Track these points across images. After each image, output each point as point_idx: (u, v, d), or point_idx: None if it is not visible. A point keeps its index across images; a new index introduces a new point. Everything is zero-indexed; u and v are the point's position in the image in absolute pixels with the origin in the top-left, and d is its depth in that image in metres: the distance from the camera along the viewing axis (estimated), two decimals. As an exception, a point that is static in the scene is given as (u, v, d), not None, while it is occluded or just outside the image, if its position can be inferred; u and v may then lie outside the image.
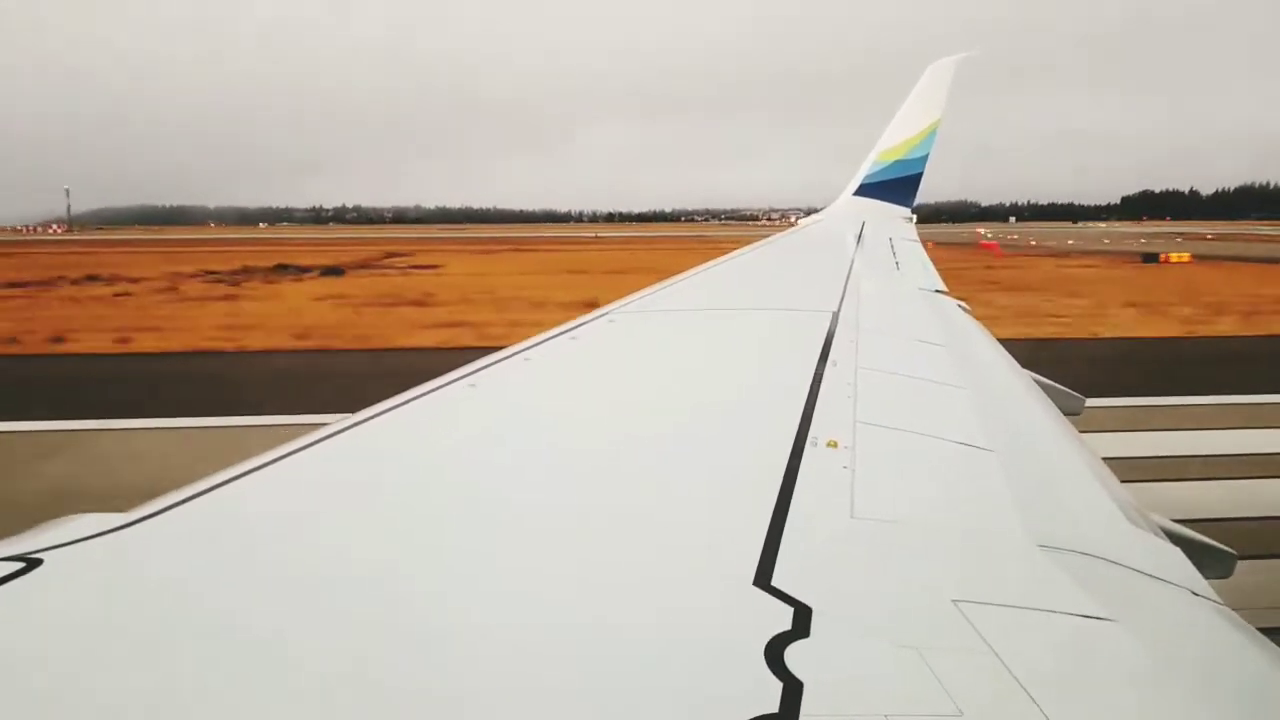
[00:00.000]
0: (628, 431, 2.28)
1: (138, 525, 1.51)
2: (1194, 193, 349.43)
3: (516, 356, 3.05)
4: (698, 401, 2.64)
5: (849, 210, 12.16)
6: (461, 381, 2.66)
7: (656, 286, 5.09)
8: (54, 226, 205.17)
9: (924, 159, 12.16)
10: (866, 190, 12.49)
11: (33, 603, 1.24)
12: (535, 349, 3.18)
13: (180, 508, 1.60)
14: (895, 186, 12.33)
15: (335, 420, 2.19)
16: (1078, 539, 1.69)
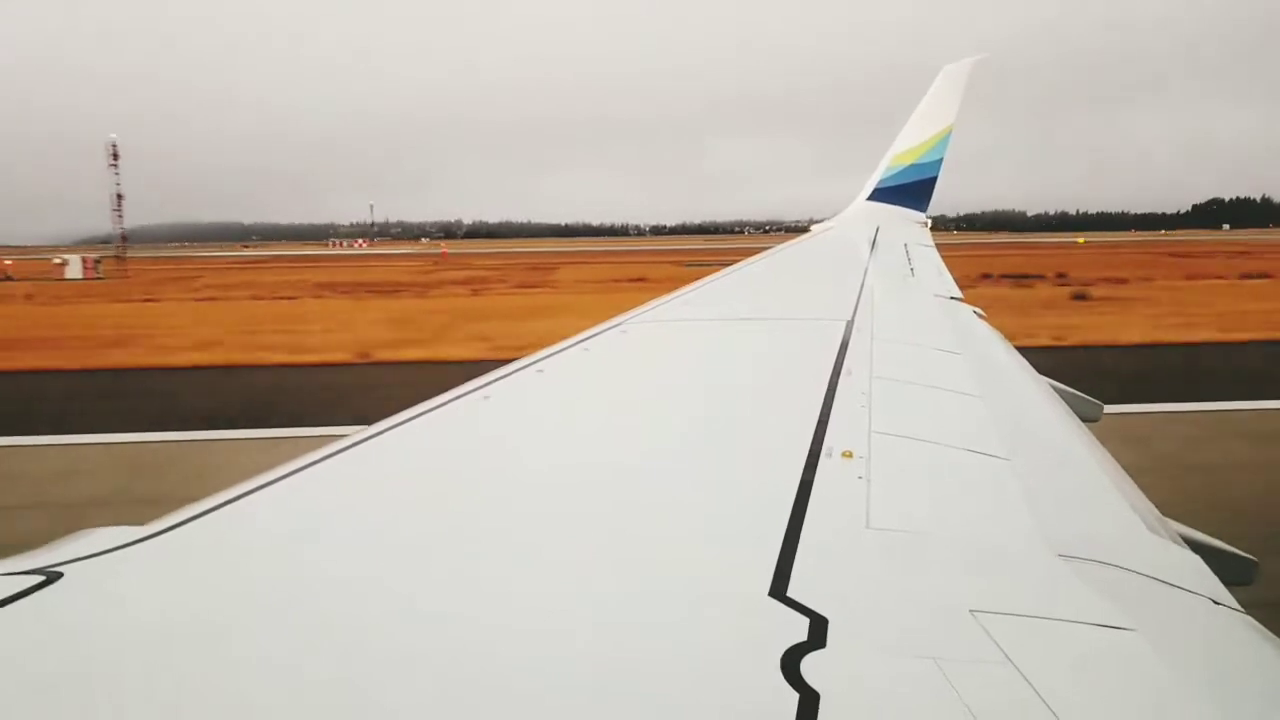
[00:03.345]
0: (640, 442, 2.29)
1: (158, 538, 1.52)
2: (1266, 200, 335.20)
3: (529, 368, 3.07)
4: (711, 411, 2.64)
5: (863, 215, 12.01)
6: (476, 393, 2.68)
7: (669, 296, 5.10)
8: (359, 241, 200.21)
9: (938, 163, 12.00)
10: (880, 195, 12.36)
11: (53, 616, 1.25)
12: (548, 360, 3.20)
13: (199, 520, 1.61)
14: (909, 191, 12.18)
15: (352, 432, 2.21)
16: (1096, 548, 1.67)
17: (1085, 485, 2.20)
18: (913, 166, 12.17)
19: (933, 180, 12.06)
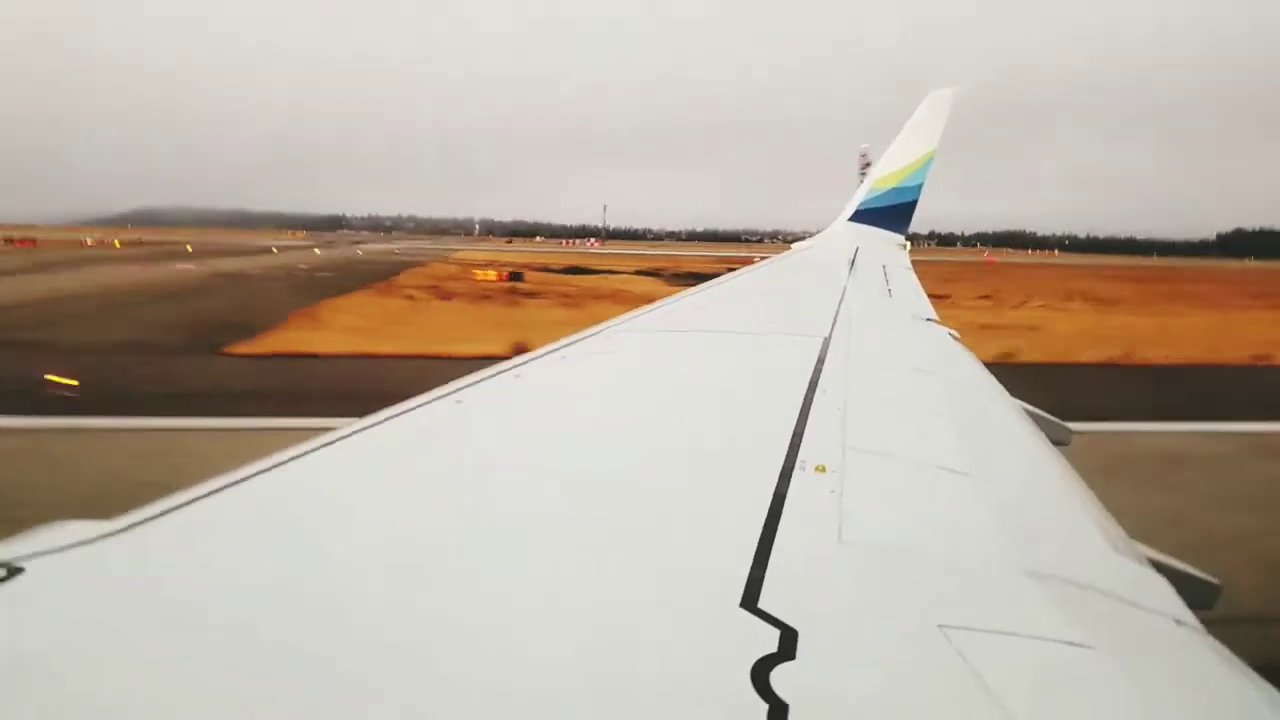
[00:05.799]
0: (614, 452, 2.29)
1: (123, 534, 1.50)
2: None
3: (505, 374, 3.06)
4: (685, 423, 2.65)
5: (843, 235, 12.20)
6: (448, 397, 2.66)
7: (647, 308, 5.11)
8: (592, 240, 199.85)
9: (919, 188, 12.18)
10: (861, 216, 12.53)
11: (12, 612, 1.23)
12: (523, 367, 3.19)
13: (165, 518, 1.59)
14: (890, 213, 12.36)
15: (331, 431, 2.18)
16: (1064, 566, 1.70)
17: (1054, 505, 2.24)
18: (894, 190, 12.33)
19: (913, 204, 12.23)
